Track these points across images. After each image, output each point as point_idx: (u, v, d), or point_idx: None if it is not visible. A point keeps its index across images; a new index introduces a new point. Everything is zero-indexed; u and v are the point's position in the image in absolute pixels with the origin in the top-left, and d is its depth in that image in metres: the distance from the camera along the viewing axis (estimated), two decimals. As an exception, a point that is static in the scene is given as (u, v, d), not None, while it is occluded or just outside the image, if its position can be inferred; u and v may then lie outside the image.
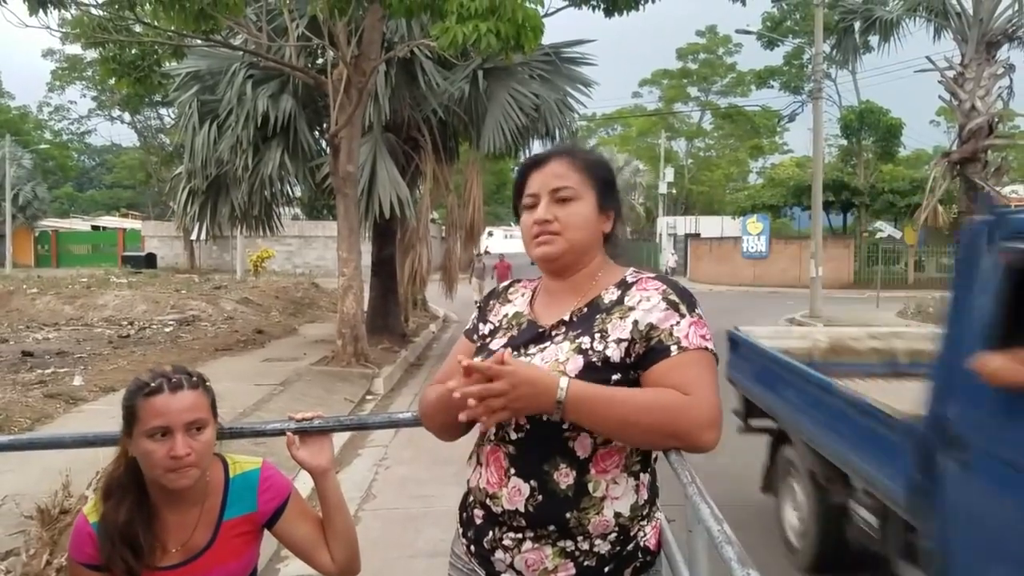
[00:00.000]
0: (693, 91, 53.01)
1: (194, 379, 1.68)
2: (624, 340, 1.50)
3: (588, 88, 12.85)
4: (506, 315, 1.70)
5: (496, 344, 1.63)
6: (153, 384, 1.63)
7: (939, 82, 14.93)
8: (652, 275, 1.61)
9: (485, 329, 1.72)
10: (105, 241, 44.45)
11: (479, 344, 1.70)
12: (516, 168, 1.75)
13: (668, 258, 36.55)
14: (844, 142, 38.02)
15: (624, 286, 1.59)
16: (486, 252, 29.47)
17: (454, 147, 13.74)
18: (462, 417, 1.43)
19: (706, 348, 1.49)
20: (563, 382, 1.41)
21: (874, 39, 17.25)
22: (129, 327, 14.62)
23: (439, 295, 15.08)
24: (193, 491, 1.70)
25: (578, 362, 1.49)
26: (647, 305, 1.52)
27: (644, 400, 1.42)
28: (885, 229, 28.14)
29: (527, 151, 12.41)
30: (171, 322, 15.21)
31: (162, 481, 1.62)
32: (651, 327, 1.49)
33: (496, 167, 17.59)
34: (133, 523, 1.63)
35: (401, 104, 11.81)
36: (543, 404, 1.41)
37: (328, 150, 10.93)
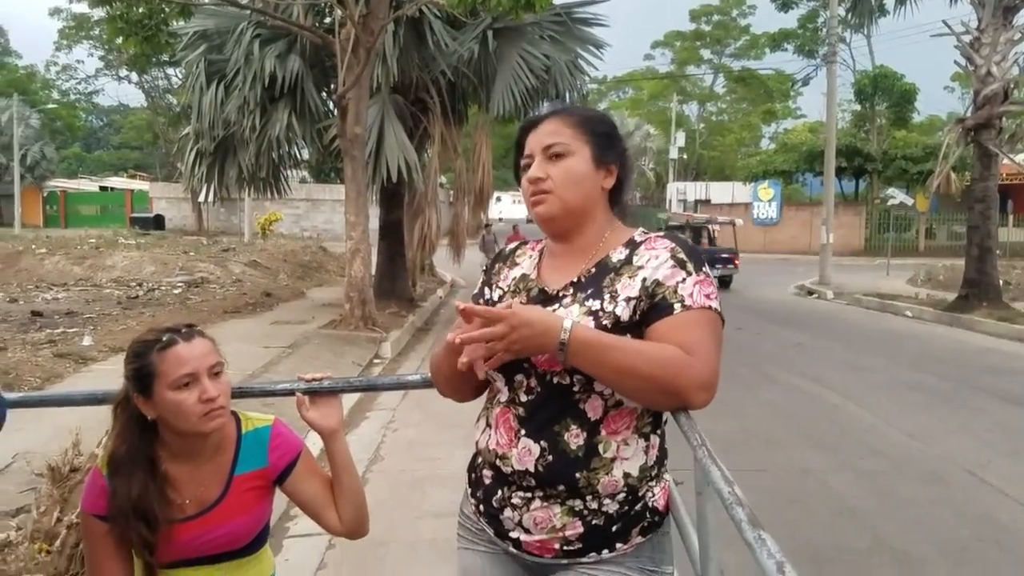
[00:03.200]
0: (706, 54, 52.42)
1: (196, 328, 1.72)
2: (633, 299, 1.49)
3: (599, 50, 12.66)
4: (513, 279, 1.68)
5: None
6: (165, 338, 1.65)
7: (955, 47, 14.63)
8: (661, 234, 1.59)
9: (493, 295, 1.71)
10: (113, 202, 44.54)
11: None
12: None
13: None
14: (858, 107, 37.60)
15: (632, 245, 1.57)
16: (499, 219, 28.75)
17: (463, 109, 13.61)
18: (462, 359, 1.45)
19: (710, 307, 1.47)
20: (567, 323, 1.41)
21: (889, 2, 16.95)
22: (138, 288, 14.68)
23: (447, 260, 15.06)
24: (206, 446, 1.71)
25: (588, 324, 1.47)
26: (655, 263, 1.51)
27: (646, 351, 1.41)
28: (897, 196, 27.97)
29: (537, 114, 12.32)
30: (180, 284, 15.27)
31: (197, 428, 1.64)
32: (657, 283, 1.48)
33: (505, 130, 17.47)
34: (146, 495, 1.63)
35: (409, 65, 11.66)
36: (546, 345, 1.41)
37: (336, 111, 10.84)
